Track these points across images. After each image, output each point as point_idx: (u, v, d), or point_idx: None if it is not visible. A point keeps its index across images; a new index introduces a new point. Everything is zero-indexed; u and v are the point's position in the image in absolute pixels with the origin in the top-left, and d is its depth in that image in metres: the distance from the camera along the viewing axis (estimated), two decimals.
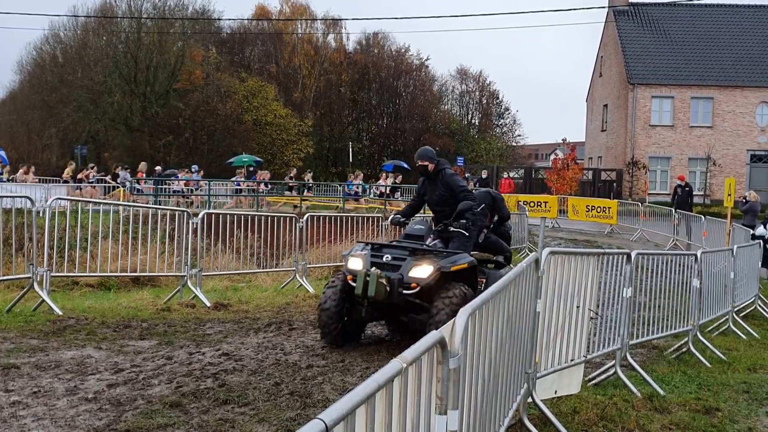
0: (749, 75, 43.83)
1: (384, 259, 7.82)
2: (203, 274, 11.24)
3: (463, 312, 3.52)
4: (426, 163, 8.77)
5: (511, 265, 8.47)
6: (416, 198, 9.25)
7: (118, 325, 8.60)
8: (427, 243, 8.25)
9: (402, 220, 9.16)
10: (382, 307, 7.89)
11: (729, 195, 17.33)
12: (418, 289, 7.51)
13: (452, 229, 8.38)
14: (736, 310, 10.94)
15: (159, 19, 53.90)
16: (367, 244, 8.34)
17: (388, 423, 2.70)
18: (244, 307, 10.57)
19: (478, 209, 8.84)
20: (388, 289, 7.47)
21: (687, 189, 25.42)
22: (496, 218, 9.51)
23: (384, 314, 8.28)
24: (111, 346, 7.49)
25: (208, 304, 10.36)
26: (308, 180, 33.35)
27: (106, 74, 51.85)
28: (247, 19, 63.91)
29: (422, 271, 7.58)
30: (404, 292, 7.53)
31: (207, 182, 29.86)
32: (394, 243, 8.51)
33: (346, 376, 6.75)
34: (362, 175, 34.34)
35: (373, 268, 7.58)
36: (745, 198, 19.57)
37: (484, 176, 34.73)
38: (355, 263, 7.91)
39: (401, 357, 2.79)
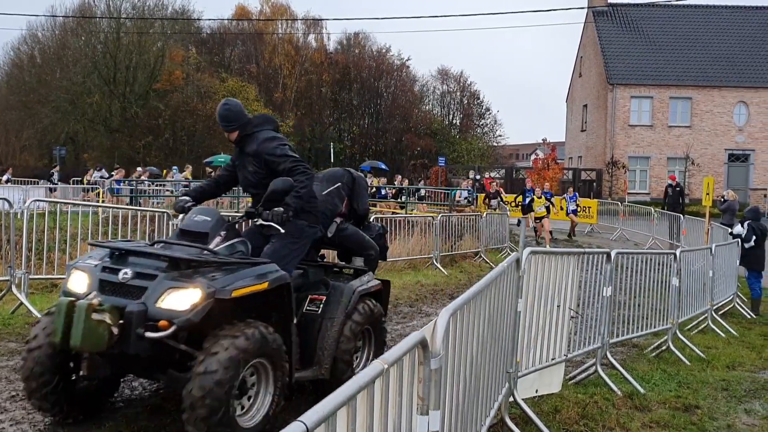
0: (727, 75, 44.26)
1: (120, 276, 4.78)
2: None
3: (445, 312, 3.53)
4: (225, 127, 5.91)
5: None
6: (222, 173, 6.35)
7: None
8: (212, 245, 5.18)
9: (188, 204, 5.84)
10: (115, 357, 4.76)
11: (707, 194, 17.46)
12: (172, 330, 4.48)
13: (261, 222, 5.62)
14: (714, 308, 11.04)
15: (138, 19, 53.55)
16: (112, 250, 5.08)
17: (369, 424, 2.70)
18: None
19: (322, 191, 6.28)
20: (115, 331, 4.48)
21: (678, 189, 25.55)
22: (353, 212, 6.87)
23: (128, 367, 5.12)
24: None
25: None
26: None
27: (85, 75, 51.40)
28: (227, 19, 63.69)
29: (180, 298, 4.58)
30: (148, 335, 4.50)
31: (189, 182, 29.67)
32: (158, 245, 5.27)
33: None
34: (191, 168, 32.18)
35: (91, 296, 4.62)
36: (723, 197, 19.73)
37: (471, 176, 34.35)
38: (78, 282, 4.94)
39: (382, 358, 2.79)
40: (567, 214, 25.13)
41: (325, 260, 6.98)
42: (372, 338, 6.33)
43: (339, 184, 6.63)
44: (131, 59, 52.04)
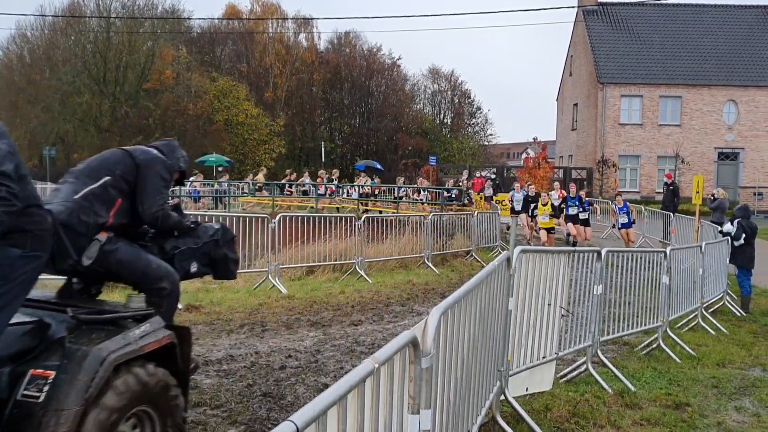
0: (716, 74, 44.42)
1: None
2: None
3: (436, 311, 3.52)
4: None
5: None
6: None
7: None
8: None
9: None
10: None
11: (697, 192, 17.52)
12: None
13: None
14: (704, 306, 11.08)
15: (128, 19, 53.42)
16: None
17: (360, 423, 2.69)
18: (216, 308, 10.50)
19: (74, 194, 4.21)
20: None
21: (671, 188, 25.51)
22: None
23: None
24: None
25: (180, 306, 10.26)
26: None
27: (75, 74, 51.27)
28: (218, 19, 63.65)
29: None
30: None
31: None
32: None
33: (320, 377, 6.72)
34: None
35: None
36: (713, 195, 19.83)
37: (465, 176, 33.52)
38: None
39: (373, 357, 2.79)
40: (617, 228, 21.00)
41: (99, 294, 4.68)
42: (155, 424, 4.01)
43: (107, 178, 4.34)
44: (121, 59, 51.96)
